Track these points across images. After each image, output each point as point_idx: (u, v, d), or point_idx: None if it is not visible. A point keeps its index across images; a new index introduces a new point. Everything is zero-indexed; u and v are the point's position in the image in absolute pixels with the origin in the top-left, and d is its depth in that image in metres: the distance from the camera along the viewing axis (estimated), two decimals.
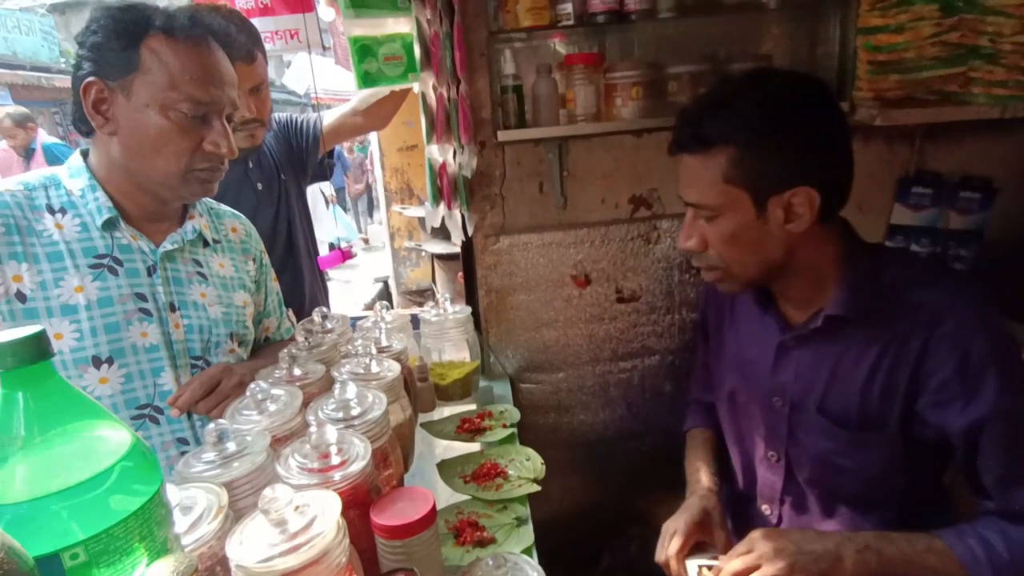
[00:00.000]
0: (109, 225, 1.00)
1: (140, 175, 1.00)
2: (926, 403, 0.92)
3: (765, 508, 1.13)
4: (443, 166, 1.39)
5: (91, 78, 0.94)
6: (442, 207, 1.41)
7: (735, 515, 1.19)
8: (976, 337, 0.88)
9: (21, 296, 0.94)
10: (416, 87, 1.39)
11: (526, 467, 1.10)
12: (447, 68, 1.31)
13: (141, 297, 1.02)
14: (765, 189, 0.90)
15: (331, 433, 0.75)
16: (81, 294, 0.96)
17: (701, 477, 1.18)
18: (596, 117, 1.42)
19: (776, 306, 1.06)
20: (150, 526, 0.51)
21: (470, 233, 1.53)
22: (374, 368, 1.00)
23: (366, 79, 1.38)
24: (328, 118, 1.91)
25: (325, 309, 1.23)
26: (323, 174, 2.03)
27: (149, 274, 1.03)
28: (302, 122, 1.91)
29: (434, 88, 1.34)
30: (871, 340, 0.95)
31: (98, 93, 0.95)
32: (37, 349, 0.47)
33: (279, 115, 1.93)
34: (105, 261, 1.00)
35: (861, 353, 0.96)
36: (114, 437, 0.52)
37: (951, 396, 0.89)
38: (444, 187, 1.40)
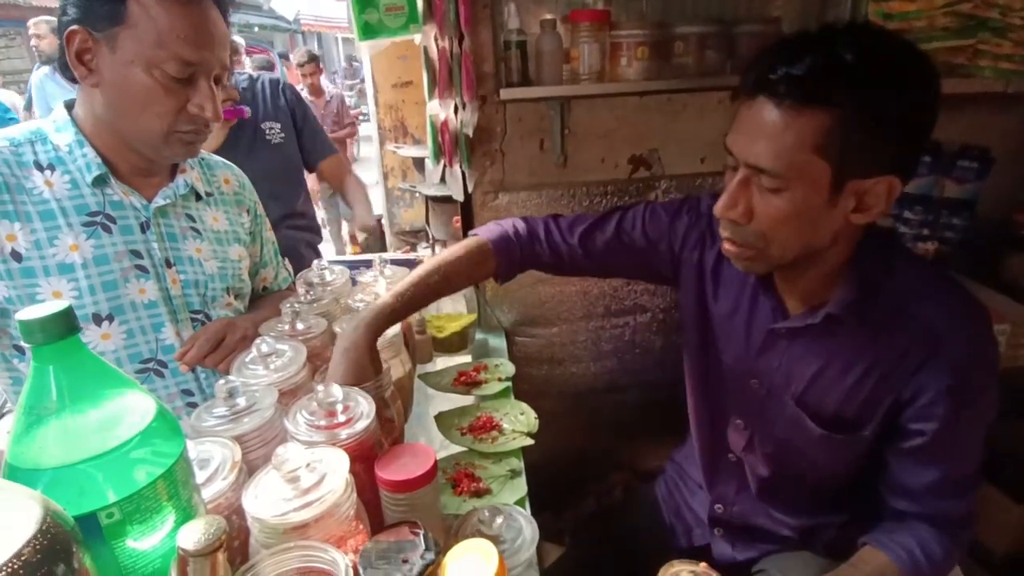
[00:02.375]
0: (100, 181, 0.98)
1: (122, 131, 0.98)
2: (910, 416, 0.89)
3: (731, 456, 1.11)
4: (444, 122, 1.37)
5: (75, 26, 0.90)
6: (443, 163, 1.40)
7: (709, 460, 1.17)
8: (974, 366, 0.85)
9: (16, 255, 0.93)
10: (417, 39, 1.36)
11: (520, 421, 1.14)
12: (451, 21, 1.27)
13: (136, 254, 1.01)
14: (851, 170, 0.76)
15: (337, 391, 0.78)
16: (76, 252, 0.96)
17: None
18: (600, 76, 1.39)
19: (774, 290, 0.97)
20: (176, 485, 0.55)
21: (471, 191, 1.53)
22: None
23: (366, 30, 1.34)
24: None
25: (324, 262, 1.25)
26: None
27: (143, 230, 1.02)
28: (312, 119, 2.09)
29: (436, 41, 1.30)
30: (866, 346, 0.89)
31: (82, 43, 0.91)
32: (65, 325, 0.49)
33: (305, 96, 2.24)
34: (98, 218, 0.98)
35: (854, 358, 0.90)
36: (140, 405, 0.55)
37: (934, 413, 0.87)
38: (445, 143, 1.39)
